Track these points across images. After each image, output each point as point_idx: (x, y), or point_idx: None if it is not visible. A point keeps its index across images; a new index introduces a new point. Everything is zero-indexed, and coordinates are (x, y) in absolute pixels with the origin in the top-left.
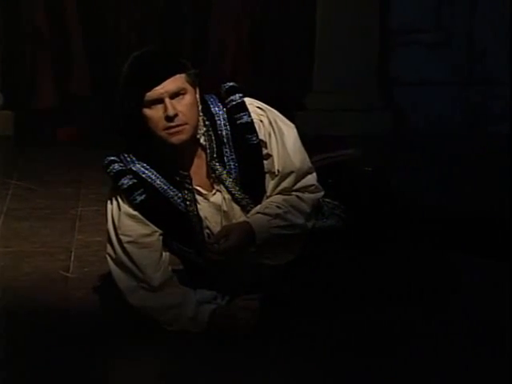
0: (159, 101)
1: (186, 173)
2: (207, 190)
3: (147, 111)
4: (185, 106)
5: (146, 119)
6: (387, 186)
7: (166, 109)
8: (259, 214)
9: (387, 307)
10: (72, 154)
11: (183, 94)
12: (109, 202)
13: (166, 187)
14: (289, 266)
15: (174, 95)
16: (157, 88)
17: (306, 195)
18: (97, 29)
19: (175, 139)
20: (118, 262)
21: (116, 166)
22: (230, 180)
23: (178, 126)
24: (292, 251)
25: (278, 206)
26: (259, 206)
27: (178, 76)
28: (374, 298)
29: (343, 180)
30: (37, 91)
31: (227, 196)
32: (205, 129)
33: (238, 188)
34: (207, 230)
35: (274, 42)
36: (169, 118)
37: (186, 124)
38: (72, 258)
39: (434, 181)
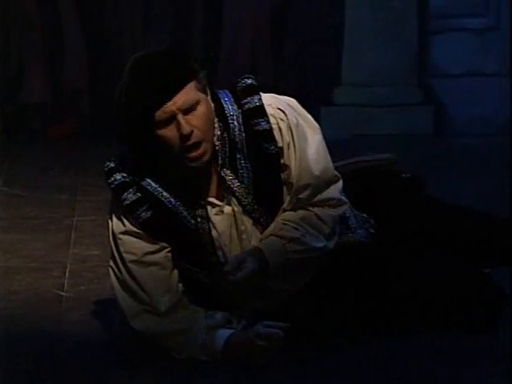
0: (171, 119)
1: (198, 185)
2: (219, 201)
3: (158, 130)
4: (199, 118)
5: (156, 137)
6: (425, 196)
7: (179, 127)
8: (273, 237)
9: (423, 334)
10: (66, 155)
11: (196, 105)
12: (109, 216)
13: (174, 201)
14: (308, 288)
15: (187, 110)
16: (167, 105)
17: (327, 212)
18: (95, 13)
19: (195, 164)
20: (121, 282)
21: (118, 176)
22: (242, 190)
23: (195, 144)
24: (309, 273)
25: (295, 228)
26: (273, 226)
27: (188, 86)
28: (409, 324)
29: (375, 188)
30: (26, 84)
31: (237, 208)
32: (219, 132)
33: (250, 199)
34: (220, 251)
35: (297, 29)
36: (184, 138)
37: (203, 141)
38: (67, 275)
39: (481, 188)
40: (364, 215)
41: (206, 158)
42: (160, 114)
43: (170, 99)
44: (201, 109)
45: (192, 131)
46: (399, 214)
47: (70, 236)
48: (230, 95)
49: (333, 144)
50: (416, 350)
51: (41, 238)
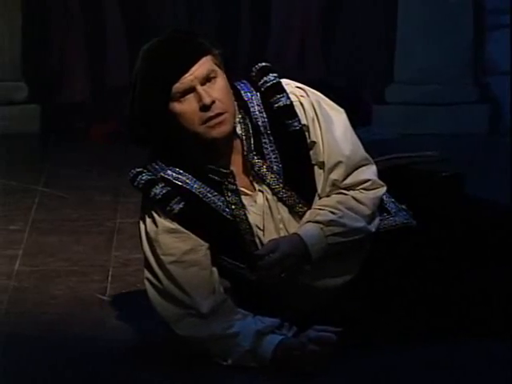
0: (190, 90)
1: (227, 170)
2: (250, 191)
3: (177, 106)
4: (219, 90)
5: (176, 116)
6: (465, 195)
7: (200, 97)
8: (310, 223)
9: (475, 339)
10: (107, 156)
11: (214, 77)
12: (141, 220)
13: (205, 191)
14: (354, 284)
15: (205, 81)
16: (185, 76)
17: (364, 194)
18: (137, 12)
19: (216, 132)
20: (159, 289)
21: (144, 176)
22: (272, 176)
23: (217, 115)
24: (354, 264)
25: (331, 211)
26: (309, 213)
27: (204, 59)
28: (461, 327)
29: (412, 186)
30: (67, 83)
31: (271, 196)
32: (240, 116)
33: (282, 185)
34: (257, 240)
35: (348, 25)
36: (205, 108)
37: (225, 112)
38: (109, 279)
39: None
40: (402, 206)
41: (226, 127)
42: (178, 86)
43: (187, 70)
44: (220, 82)
45: (213, 102)
46: (435, 213)
47: (111, 239)
48: (245, 82)
49: (383, 143)
50: (468, 355)
51: (82, 240)
